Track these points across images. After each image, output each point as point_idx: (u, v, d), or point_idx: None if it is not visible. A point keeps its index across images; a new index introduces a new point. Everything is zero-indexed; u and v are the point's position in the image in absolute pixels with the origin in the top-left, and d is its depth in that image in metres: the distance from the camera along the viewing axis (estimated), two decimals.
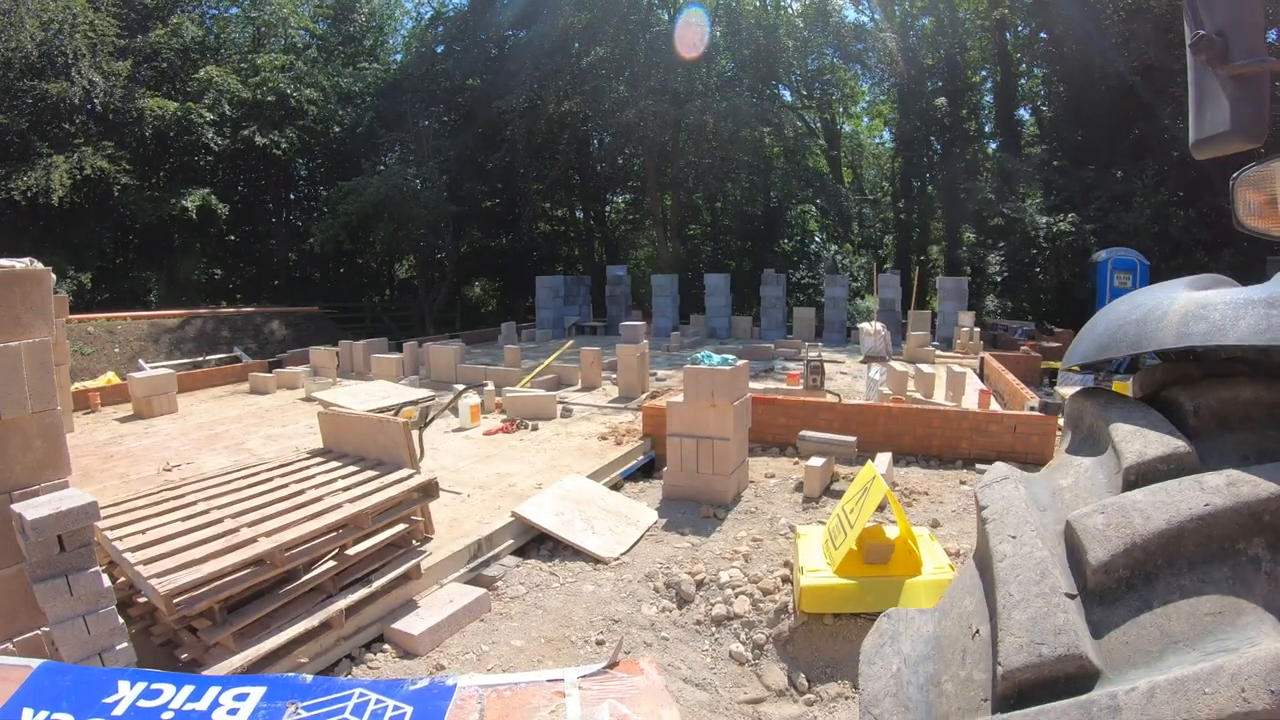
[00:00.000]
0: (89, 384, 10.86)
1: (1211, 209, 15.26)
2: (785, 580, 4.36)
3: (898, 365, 9.63)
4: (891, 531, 4.20)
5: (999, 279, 18.61)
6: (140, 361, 13.83)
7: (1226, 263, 15.03)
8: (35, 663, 1.97)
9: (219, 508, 3.83)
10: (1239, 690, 0.84)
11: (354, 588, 3.78)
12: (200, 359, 14.71)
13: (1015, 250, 17.50)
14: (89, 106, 17.39)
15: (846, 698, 3.50)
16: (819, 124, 25.63)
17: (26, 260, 3.38)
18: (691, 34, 19.63)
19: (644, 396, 9.27)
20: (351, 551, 3.87)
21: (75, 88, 16.32)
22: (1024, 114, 23.72)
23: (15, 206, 15.97)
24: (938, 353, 12.90)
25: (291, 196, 25.29)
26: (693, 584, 4.40)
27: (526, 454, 7.00)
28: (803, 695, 3.55)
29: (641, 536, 5.18)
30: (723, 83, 21.67)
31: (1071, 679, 1.00)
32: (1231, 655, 0.89)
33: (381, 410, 7.38)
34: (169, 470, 6.56)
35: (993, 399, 8.47)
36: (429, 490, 4.26)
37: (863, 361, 12.19)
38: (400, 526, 4.12)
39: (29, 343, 2.76)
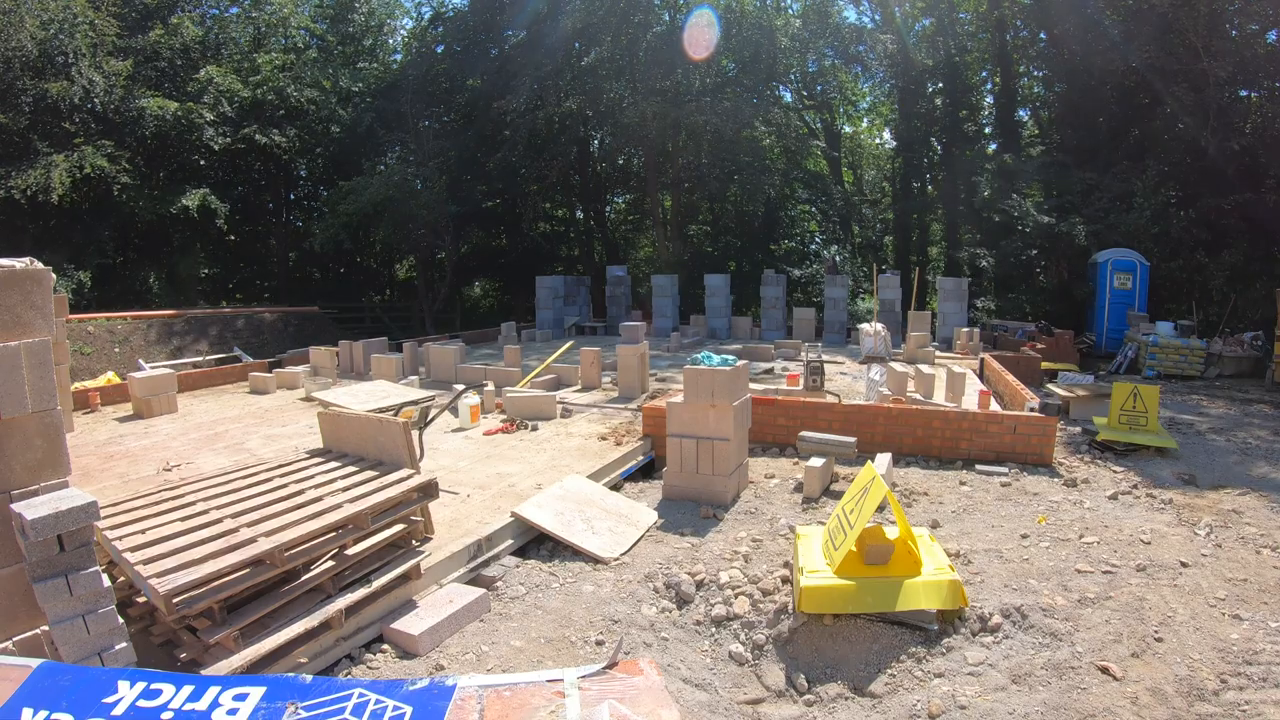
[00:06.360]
0: (89, 384, 10.86)
1: (1212, 209, 15.24)
2: (785, 581, 4.36)
3: (897, 366, 9.62)
4: (891, 532, 4.20)
5: (998, 279, 18.58)
6: (140, 361, 13.83)
7: (1226, 263, 15.02)
8: (35, 663, 1.97)
9: (219, 508, 3.83)
10: None
11: (354, 588, 3.77)
12: (200, 359, 14.70)
13: (1014, 251, 17.48)
14: (89, 106, 17.37)
15: (846, 698, 3.50)
16: (819, 125, 25.64)
17: (26, 259, 3.37)
18: (702, 35, 19.58)
19: (644, 397, 9.26)
20: (351, 551, 3.87)
21: (75, 87, 16.32)
22: (1024, 114, 23.75)
23: (15, 205, 15.97)
24: (938, 353, 12.88)
25: (291, 196, 25.30)
26: (692, 584, 4.40)
27: (526, 454, 7.00)
28: (802, 696, 3.55)
29: (641, 537, 5.18)
30: (723, 83, 21.66)
31: None
32: None
33: (381, 410, 7.40)
34: (169, 470, 6.56)
35: (993, 399, 8.47)
36: (428, 490, 4.26)
37: (862, 362, 12.19)
38: (400, 526, 4.12)
39: (29, 342, 2.75)
